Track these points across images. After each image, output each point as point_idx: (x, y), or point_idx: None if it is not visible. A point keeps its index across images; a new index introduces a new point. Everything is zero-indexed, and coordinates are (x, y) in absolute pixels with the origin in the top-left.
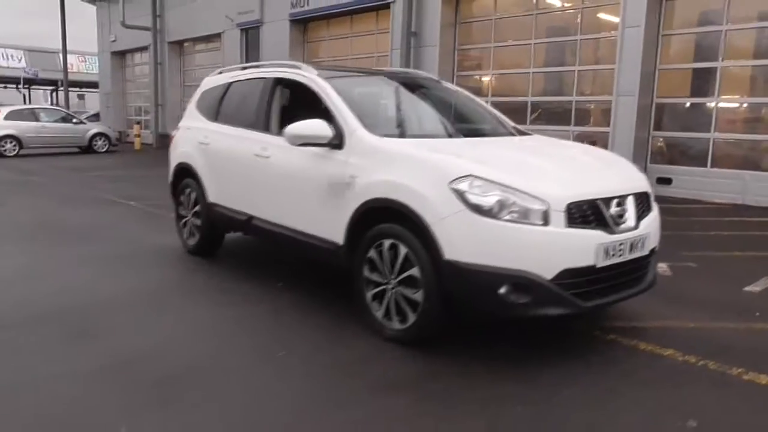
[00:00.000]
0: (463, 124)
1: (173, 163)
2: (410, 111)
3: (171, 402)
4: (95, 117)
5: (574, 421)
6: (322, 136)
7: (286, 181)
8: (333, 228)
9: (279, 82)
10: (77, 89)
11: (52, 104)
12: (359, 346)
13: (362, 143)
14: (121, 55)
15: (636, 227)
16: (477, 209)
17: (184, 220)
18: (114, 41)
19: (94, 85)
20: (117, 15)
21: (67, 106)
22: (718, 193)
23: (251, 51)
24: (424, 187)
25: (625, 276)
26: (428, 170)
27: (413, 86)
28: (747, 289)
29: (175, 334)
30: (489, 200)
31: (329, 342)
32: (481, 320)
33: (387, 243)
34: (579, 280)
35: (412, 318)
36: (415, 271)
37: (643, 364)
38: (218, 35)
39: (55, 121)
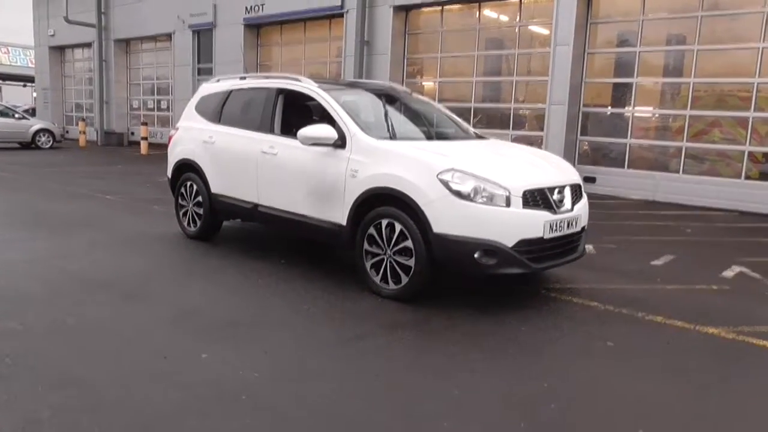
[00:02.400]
0: (437, 128)
1: (174, 159)
2: (394, 117)
3: (234, 338)
4: (30, 112)
5: (532, 345)
6: (329, 138)
7: (294, 174)
8: (336, 212)
9: (281, 91)
10: None
11: None
12: (364, 302)
13: (362, 144)
14: (60, 50)
15: (571, 210)
16: (458, 194)
17: (184, 210)
18: (53, 36)
19: (15, 78)
20: (57, 9)
21: None
22: (634, 191)
23: (203, 52)
24: (417, 178)
25: (563, 247)
26: (419, 165)
27: (392, 97)
28: (653, 263)
29: (214, 295)
30: (467, 187)
31: (339, 299)
32: (459, 279)
33: (384, 222)
34: (531, 248)
35: (405, 280)
36: (408, 243)
37: (576, 311)
38: (168, 35)
39: None
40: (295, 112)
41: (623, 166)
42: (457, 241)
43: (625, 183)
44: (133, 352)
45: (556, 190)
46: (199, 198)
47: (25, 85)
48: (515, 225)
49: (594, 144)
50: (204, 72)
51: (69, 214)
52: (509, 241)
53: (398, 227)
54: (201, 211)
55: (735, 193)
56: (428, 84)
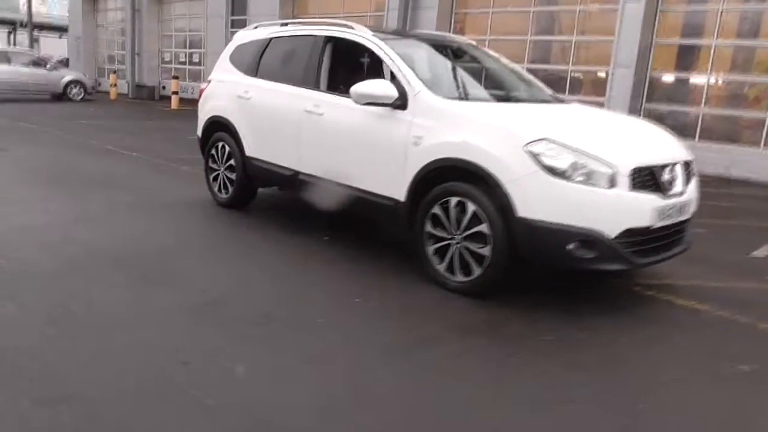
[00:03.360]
0: (512, 89)
1: (205, 116)
2: (463, 74)
3: (269, 340)
4: (62, 63)
5: (640, 364)
6: (388, 96)
7: (343, 138)
8: (393, 185)
9: (329, 40)
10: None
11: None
12: (425, 295)
13: (427, 105)
14: None
15: (683, 192)
16: (551, 171)
17: (215, 174)
18: None
19: (53, 28)
20: None
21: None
22: (705, 165)
23: (237, 4)
24: (499, 149)
25: (670, 237)
26: (502, 133)
27: (457, 51)
28: (753, 254)
29: (246, 279)
30: (562, 163)
31: (396, 290)
32: (542, 273)
33: (454, 200)
34: (637, 240)
35: (477, 271)
36: (483, 228)
37: (682, 316)
38: None
39: (26, 65)
40: (344, 66)
41: (694, 138)
42: (546, 228)
43: (696, 156)
44: (147, 356)
45: (667, 169)
46: (232, 161)
47: (61, 36)
48: (621, 211)
49: (660, 112)
50: (237, 24)
51: (91, 172)
52: (612, 231)
53: (471, 208)
54: (233, 176)
55: None
56: (477, 42)
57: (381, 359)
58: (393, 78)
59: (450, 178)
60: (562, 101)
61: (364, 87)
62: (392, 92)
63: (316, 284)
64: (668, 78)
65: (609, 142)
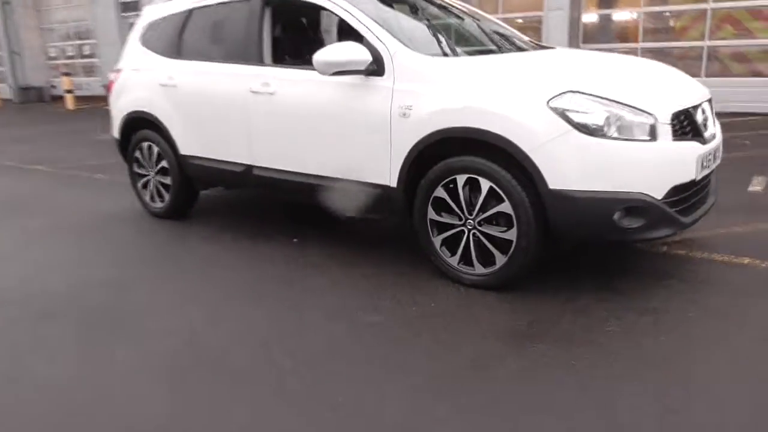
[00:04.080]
0: (494, 40)
1: (121, 113)
2: (436, 28)
3: (274, 398)
4: None
5: (732, 334)
6: (360, 61)
7: (305, 119)
8: (380, 169)
9: (268, 2)
10: None
11: None
12: (444, 297)
13: (410, 66)
14: None
15: (715, 135)
16: (584, 128)
17: (144, 180)
18: None
19: None
20: None
21: None
22: None
23: None
24: (516, 111)
25: (705, 188)
26: (518, 90)
27: (417, 3)
28: (750, 189)
29: (213, 307)
30: (596, 117)
31: (407, 295)
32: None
33: (461, 179)
34: (683, 196)
35: (501, 259)
36: (504, 207)
37: (731, 273)
38: None
39: None
40: (293, 33)
41: None
42: (587, 199)
43: None
44: None
45: (700, 110)
46: (164, 163)
47: None
48: (666, 166)
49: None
50: (130, 8)
51: None
52: (659, 191)
53: (485, 185)
54: (168, 180)
55: None
56: None
57: (436, 398)
58: (361, 40)
59: (454, 152)
60: (545, 47)
61: (329, 53)
62: (364, 55)
63: (307, 302)
64: (603, 16)
65: (635, 86)
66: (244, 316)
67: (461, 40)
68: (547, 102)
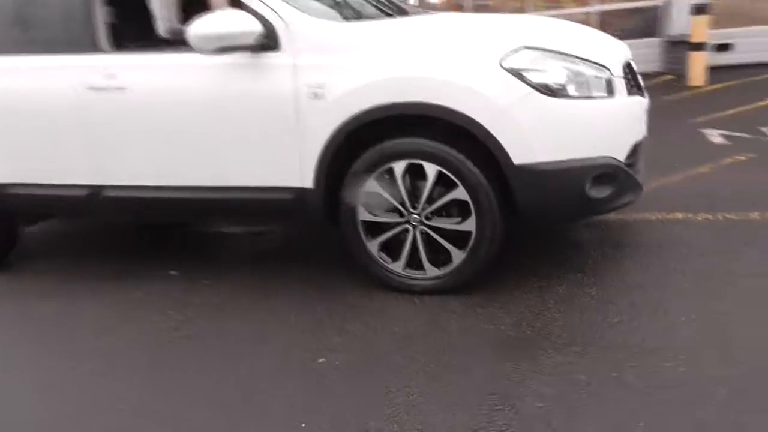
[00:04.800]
0: (389, 6)
1: None
2: None
3: None
4: None
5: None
6: (248, 33)
7: (176, 117)
8: (289, 168)
9: None
10: None
11: None
12: (398, 315)
13: (315, 34)
14: None
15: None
16: (546, 89)
17: None
18: None
19: None
20: None
21: None
22: None
23: None
24: (464, 75)
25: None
26: (462, 51)
27: None
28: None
29: (106, 398)
30: (556, 75)
31: (356, 322)
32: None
33: (400, 166)
34: (637, 156)
35: (459, 256)
36: (458, 194)
37: (691, 228)
38: None
39: None
40: (134, 6)
41: None
42: (556, 171)
43: None
44: None
45: (633, 64)
46: None
47: None
48: (627, 123)
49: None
50: None
51: None
52: (622, 152)
53: (431, 171)
54: None
55: None
56: None
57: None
58: (242, 6)
59: (385, 135)
60: (429, 12)
61: (208, 25)
62: (252, 25)
63: (229, 365)
64: None
65: (576, 41)
66: (112, 400)
67: (347, 7)
68: (500, 62)
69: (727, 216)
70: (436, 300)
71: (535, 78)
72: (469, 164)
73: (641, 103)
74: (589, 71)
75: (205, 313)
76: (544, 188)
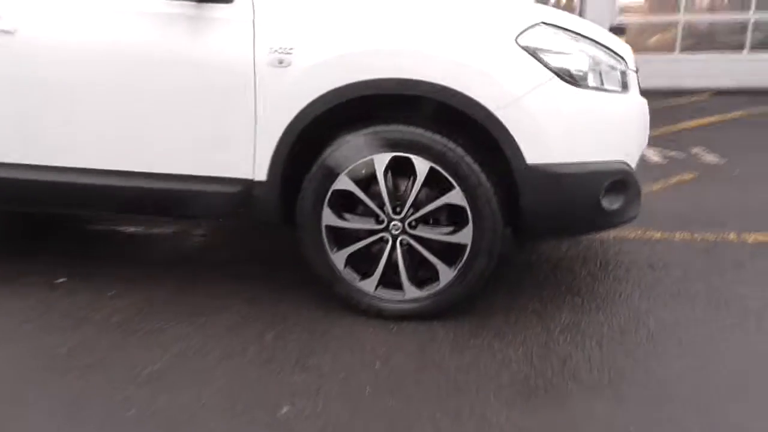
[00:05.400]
0: None
1: None
2: None
3: None
4: None
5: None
6: None
7: (87, 76)
8: (237, 154)
9: None
10: None
11: None
12: (375, 346)
13: None
14: None
15: None
16: (568, 77)
17: None
18: None
19: None
20: None
21: None
22: None
23: None
24: (475, 51)
25: None
26: (472, 22)
27: None
28: None
29: None
30: (578, 60)
31: (324, 356)
32: None
33: (382, 159)
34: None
35: (447, 274)
36: (454, 197)
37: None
38: None
39: None
40: None
41: None
42: (573, 175)
43: None
44: None
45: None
46: None
47: None
48: (639, 124)
49: None
50: None
51: None
52: (634, 158)
53: (422, 167)
54: None
55: None
56: None
57: None
58: None
59: (363, 120)
60: None
61: None
62: None
63: (146, 421)
64: None
65: (588, 26)
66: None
67: None
68: (516, 38)
69: (705, 236)
70: (416, 327)
71: (555, 61)
72: (469, 161)
73: (645, 105)
74: (606, 59)
75: (106, 337)
76: (558, 195)
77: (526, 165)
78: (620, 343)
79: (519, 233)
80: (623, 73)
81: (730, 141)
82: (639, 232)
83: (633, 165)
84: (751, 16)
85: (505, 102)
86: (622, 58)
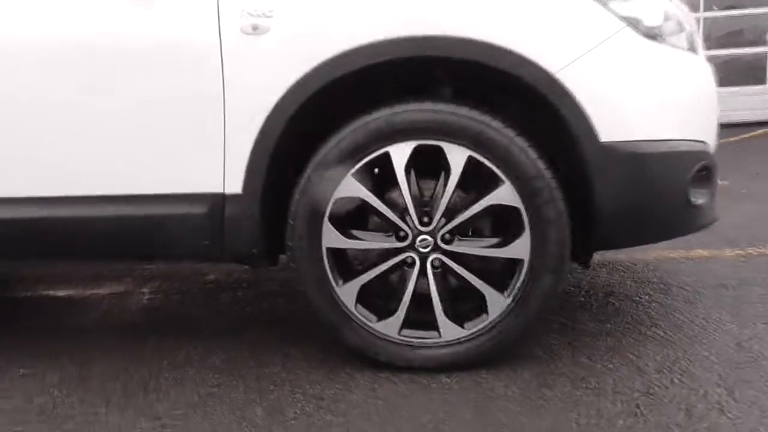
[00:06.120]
0: None
1: None
2: None
3: None
4: None
5: None
6: None
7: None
8: (202, 161)
9: None
10: None
11: None
12: (419, 418)
13: None
14: None
15: None
16: (642, 28)
17: None
18: None
19: None
20: None
21: None
22: None
23: None
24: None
25: None
26: None
27: None
28: None
29: None
30: (652, 8)
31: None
32: None
33: (402, 151)
34: None
35: (501, 302)
36: (503, 195)
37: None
38: None
39: None
40: None
41: None
42: (662, 156)
43: None
44: None
45: None
46: None
47: None
48: (714, 96)
49: None
50: None
51: None
52: (712, 138)
53: (458, 157)
54: None
55: None
56: None
57: None
58: None
59: (369, 102)
60: None
61: None
62: None
63: None
64: None
65: None
66: None
67: None
68: None
69: (758, 250)
70: (461, 381)
71: (624, 9)
72: (522, 143)
73: None
74: (676, 14)
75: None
76: (643, 185)
77: (600, 144)
78: (746, 381)
79: (584, 244)
80: (690, 34)
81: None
82: (681, 251)
83: (711, 148)
84: None
85: (567, 59)
86: (681, 15)
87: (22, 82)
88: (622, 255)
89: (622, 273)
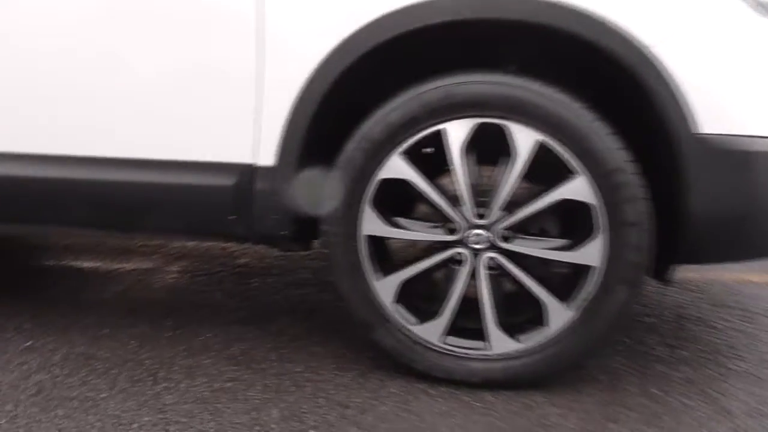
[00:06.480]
0: None
1: None
2: None
3: None
4: None
5: None
6: None
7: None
8: (232, 127)
9: None
10: None
11: None
12: None
13: None
14: None
15: None
16: (759, 6)
17: None
18: None
19: None
20: None
21: None
22: None
23: None
24: None
25: None
26: None
27: None
28: None
29: None
30: None
31: None
32: None
33: (459, 129)
34: None
35: (563, 314)
36: (577, 189)
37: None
38: None
39: None
40: None
41: None
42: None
43: None
44: None
45: None
46: None
47: None
48: None
49: None
50: None
51: None
52: None
53: (525, 141)
54: None
55: None
56: None
57: None
58: None
59: (420, 72)
60: None
61: None
62: None
63: None
64: None
65: None
66: None
67: None
68: None
69: None
70: (509, 402)
71: None
72: (603, 131)
73: None
74: None
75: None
76: (750, 187)
77: (699, 136)
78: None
79: (666, 255)
80: None
81: None
82: (765, 274)
83: None
84: None
85: (663, 33)
86: None
87: (56, 41)
88: (694, 273)
89: (695, 294)
